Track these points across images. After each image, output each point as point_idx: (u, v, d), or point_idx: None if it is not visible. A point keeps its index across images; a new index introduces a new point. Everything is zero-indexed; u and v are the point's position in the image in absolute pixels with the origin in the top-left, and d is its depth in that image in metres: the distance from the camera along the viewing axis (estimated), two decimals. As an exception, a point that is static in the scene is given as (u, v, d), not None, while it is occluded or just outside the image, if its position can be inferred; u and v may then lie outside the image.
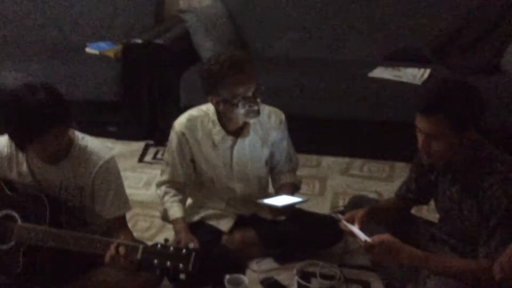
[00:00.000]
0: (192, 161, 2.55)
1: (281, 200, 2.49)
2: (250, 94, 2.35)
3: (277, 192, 2.64)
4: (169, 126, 3.69)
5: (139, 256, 1.94)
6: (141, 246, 1.96)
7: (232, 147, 2.52)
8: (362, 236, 2.14)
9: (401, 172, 3.37)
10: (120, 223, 2.28)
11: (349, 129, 3.62)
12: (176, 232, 2.49)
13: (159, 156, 3.68)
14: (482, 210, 2.05)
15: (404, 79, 3.49)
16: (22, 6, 4.43)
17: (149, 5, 4.28)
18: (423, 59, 3.72)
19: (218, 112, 2.48)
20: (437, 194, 2.31)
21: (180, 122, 2.54)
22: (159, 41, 3.75)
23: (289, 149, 2.67)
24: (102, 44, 4.14)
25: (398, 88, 3.44)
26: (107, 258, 1.99)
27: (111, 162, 2.25)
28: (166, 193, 2.56)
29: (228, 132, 2.49)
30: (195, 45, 3.81)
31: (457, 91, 2.03)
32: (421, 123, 2.01)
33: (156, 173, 3.38)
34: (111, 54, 3.97)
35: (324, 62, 3.91)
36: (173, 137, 2.55)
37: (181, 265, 1.87)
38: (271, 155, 2.62)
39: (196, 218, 2.61)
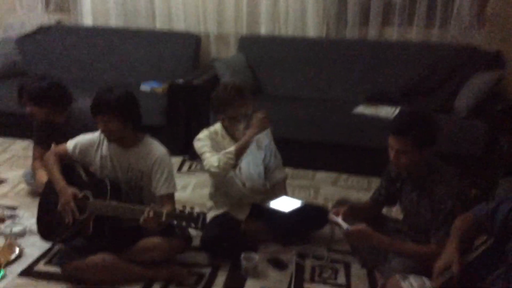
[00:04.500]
0: None
1: (285, 204, 2.57)
2: (249, 113, 2.49)
3: (274, 187, 2.69)
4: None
5: (163, 218, 2.08)
6: (164, 211, 2.09)
7: None
8: (344, 225, 2.25)
9: (376, 184, 3.35)
10: (168, 199, 2.39)
11: (338, 151, 3.67)
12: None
13: (192, 168, 3.75)
14: (433, 210, 2.16)
15: (380, 115, 3.56)
16: (94, 54, 4.55)
17: (188, 55, 4.35)
18: (394, 101, 3.76)
19: (225, 129, 2.59)
20: (401, 198, 2.40)
21: (202, 134, 2.59)
22: (195, 82, 3.83)
23: (274, 149, 2.72)
24: (152, 83, 4.22)
25: (375, 122, 3.51)
26: (141, 220, 2.12)
27: (166, 155, 2.43)
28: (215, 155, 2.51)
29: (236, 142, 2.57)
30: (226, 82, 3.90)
31: (420, 120, 2.14)
32: (393, 142, 2.13)
33: (190, 180, 3.52)
34: (159, 91, 4.08)
35: (319, 100, 3.97)
36: (203, 137, 2.57)
37: (193, 224, 2.02)
38: (264, 156, 2.66)
39: (221, 210, 2.65)
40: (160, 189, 2.38)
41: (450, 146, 3.26)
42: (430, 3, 3.94)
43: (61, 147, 2.50)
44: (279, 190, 2.71)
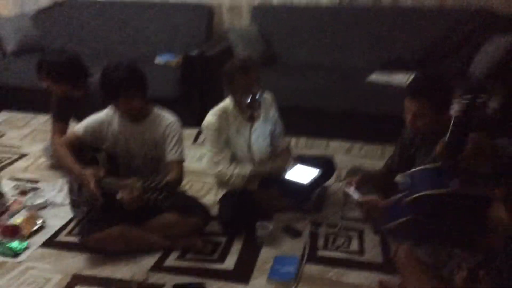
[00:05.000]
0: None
1: (302, 174, 2.58)
2: (254, 89, 2.43)
3: (279, 154, 2.73)
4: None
5: (135, 193, 2.05)
6: (136, 185, 2.06)
7: (250, 130, 2.58)
8: (355, 196, 2.26)
9: (390, 152, 3.33)
10: (175, 166, 2.37)
11: (352, 120, 3.66)
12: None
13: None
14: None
15: (394, 83, 3.52)
16: (108, 28, 4.56)
17: (202, 26, 4.34)
18: (408, 68, 3.68)
19: (235, 106, 2.53)
20: (415, 164, 2.34)
21: (211, 119, 2.52)
22: (209, 53, 3.83)
23: (278, 117, 2.74)
24: (166, 56, 4.22)
25: (388, 90, 3.48)
26: (118, 195, 2.11)
27: (176, 122, 2.44)
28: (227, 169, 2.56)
29: (245, 119, 2.56)
30: (236, 56, 3.88)
31: (436, 82, 2.10)
32: (409, 104, 2.10)
33: (205, 151, 3.47)
34: (173, 63, 4.08)
35: (333, 68, 3.93)
36: (212, 125, 2.52)
37: (160, 195, 2.01)
38: (270, 127, 2.69)
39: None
40: (169, 154, 2.38)
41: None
42: (445, -34, 3.85)
43: (71, 134, 2.49)
44: (284, 156, 2.71)
